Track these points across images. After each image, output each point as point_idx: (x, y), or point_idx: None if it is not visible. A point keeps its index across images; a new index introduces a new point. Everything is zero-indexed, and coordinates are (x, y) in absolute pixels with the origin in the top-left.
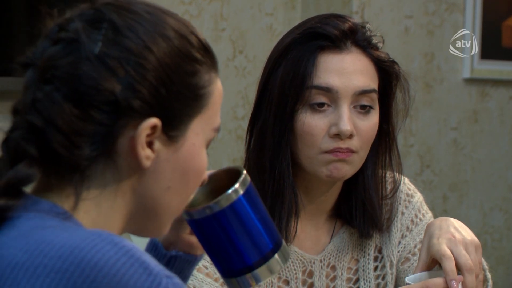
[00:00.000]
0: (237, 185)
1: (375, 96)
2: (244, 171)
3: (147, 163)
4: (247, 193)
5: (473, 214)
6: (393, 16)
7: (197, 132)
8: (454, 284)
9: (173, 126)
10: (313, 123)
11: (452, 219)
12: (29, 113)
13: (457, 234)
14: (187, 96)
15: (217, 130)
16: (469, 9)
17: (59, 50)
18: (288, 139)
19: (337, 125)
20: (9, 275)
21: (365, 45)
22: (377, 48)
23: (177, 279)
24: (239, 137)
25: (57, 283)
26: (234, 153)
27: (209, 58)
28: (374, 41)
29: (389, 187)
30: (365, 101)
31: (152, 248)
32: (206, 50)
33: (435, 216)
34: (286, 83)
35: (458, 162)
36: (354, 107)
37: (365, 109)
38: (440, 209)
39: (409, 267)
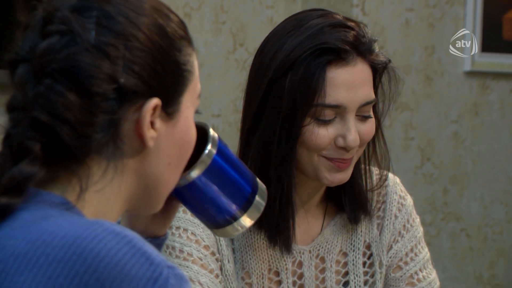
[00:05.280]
0: (209, 147)
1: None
2: (210, 129)
3: (151, 143)
4: (220, 150)
5: (473, 207)
6: (393, 9)
7: (187, 106)
8: None
9: (170, 104)
10: (320, 135)
11: None
12: (33, 109)
13: None
14: (178, 73)
15: (200, 95)
16: (470, 2)
17: (54, 43)
18: (295, 151)
19: (344, 138)
20: (12, 265)
21: (367, 54)
22: (375, 53)
23: (178, 270)
24: (239, 130)
25: (59, 273)
26: (235, 146)
27: (187, 34)
28: (374, 47)
29: (374, 172)
30: (366, 111)
31: None
32: (184, 26)
33: (434, 210)
34: (296, 98)
35: (459, 155)
36: (357, 115)
37: (366, 117)
38: (440, 202)
39: (401, 276)
